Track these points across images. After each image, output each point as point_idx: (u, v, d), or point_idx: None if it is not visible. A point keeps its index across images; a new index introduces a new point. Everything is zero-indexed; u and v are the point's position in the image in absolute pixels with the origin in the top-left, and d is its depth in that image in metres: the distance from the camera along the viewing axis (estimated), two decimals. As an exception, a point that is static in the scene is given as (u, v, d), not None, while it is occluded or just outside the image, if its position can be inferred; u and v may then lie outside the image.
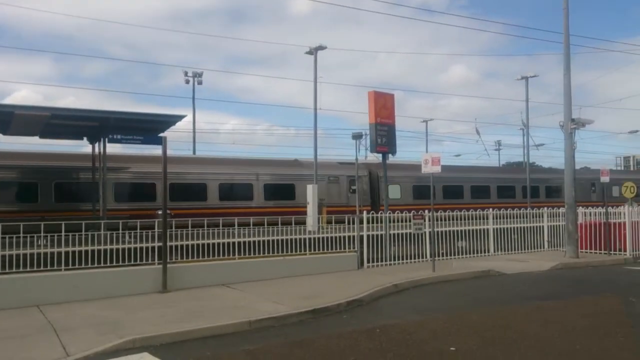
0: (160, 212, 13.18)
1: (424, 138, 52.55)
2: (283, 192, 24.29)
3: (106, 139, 14.53)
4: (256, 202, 23.56)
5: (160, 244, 12.32)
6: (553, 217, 20.47)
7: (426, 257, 16.50)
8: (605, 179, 20.20)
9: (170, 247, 12.83)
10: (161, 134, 13.75)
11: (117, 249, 12.57)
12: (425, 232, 16.51)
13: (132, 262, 12.60)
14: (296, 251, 14.88)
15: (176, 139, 49.10)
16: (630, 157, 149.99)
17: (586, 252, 18.66)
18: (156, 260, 12.53)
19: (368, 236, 15.98)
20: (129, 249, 12.74)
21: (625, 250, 18.45)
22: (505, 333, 8.54)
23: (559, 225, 20.01)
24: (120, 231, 12.87)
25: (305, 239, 15.18)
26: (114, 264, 12.39)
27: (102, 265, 12.19)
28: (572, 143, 18.46)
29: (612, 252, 18.37)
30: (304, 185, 22.99)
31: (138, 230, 12.98)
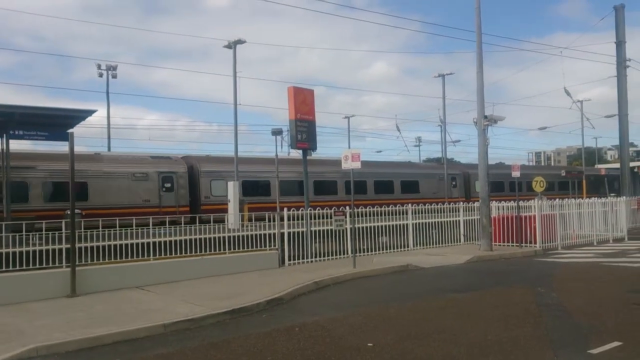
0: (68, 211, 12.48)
1: (347, 134, 53.13)
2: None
3: (8, 135, 13.58)
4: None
5: (68, 245, 11.65)
6: (468, 211, 21.18)
7: (348, 254, 16.61)
8: (516, 174, 21.09)
9: (81, 248, 12.20)
10: (70, 130, 13.03)
11: (22, 252, 11.81)
12: (346, 229, 16.61)
13: (39, 266, 11.87)
14: (218, 250, 14.56)
15: (90, 135, 47.16)
16: (541, 152, 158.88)
17: (500, 245, 19.41)
18: (64, 263, 11.86)
19: (289, 233, 15.87)
20: (36, 252, 11.98)
21: (535, 243, 19.28)
22: (421, 326, 8.68)
23: (474, 219, 20.72)
24: (24, 233, 12.09)
25: (225, 237, 14.89)
26: (18, 267, 11.64)
27: (4, 269, 11.40)
28: (485, 139, 19.16)
29: (523, 244, 19.19)
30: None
31: (44, 232, 12.23)
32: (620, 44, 31.88)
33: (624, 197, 26.95)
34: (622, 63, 31.80)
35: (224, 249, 14.69)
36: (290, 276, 13.54)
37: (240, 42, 25.06)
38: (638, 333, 7.90)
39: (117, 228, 13.09)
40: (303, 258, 16.09)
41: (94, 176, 22.21)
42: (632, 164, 38.00)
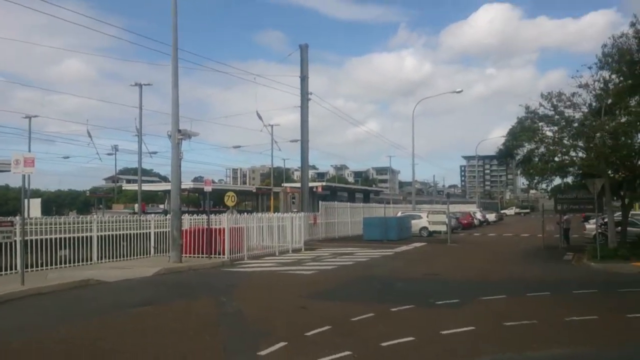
0: None
1: (28, 136, 47.50)
2: None
3: None
4: None
5: None
6: (160, 223, 20.85)
7: (17, 269, 14.61)
8: (208, 188, 21.61)
9: None
10: None
11: None
12: (16, 241, 14.61)
13: None
14: None
15: None
16: (238, 169, 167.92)
17: (190, 257, 19.52)
18: None
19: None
20: None
21: (224, 254, 19.96)
22: (99, 345, 8.01)
23: (166, 231, 20.47)
24: None
25: None
26: None
27: None
28: (179, 153, 19.17)
29: (213, 255, 19.66)
30: None
31: None
32: (304, 79, 35.52)
33: (303, 213, 29.94)
34: (305, 95, 35.49)
35: None
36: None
37: None
38: (302, 331, 8.58)
39: None
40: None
41: None
42: (311, 184, 42.58)
